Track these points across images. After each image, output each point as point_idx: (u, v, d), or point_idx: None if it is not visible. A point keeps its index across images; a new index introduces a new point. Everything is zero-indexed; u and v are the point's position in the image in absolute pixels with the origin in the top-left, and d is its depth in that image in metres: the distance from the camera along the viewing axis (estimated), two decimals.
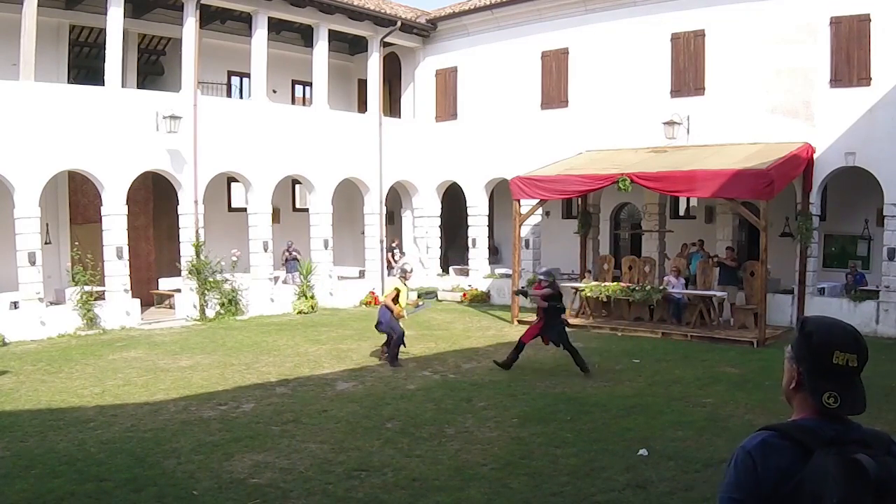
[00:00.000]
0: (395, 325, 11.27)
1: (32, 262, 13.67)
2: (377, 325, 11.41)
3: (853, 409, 1.78)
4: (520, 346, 10.92)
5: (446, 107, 20.50)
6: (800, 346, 1.88)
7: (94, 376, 10.50)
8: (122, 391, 9.67)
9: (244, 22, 18.26)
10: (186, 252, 16.04)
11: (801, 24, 14.46)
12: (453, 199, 21.07)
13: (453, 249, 22.17)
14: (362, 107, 21.18)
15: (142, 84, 18.26)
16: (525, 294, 12.52)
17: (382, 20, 19.08)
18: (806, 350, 1.85)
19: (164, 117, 15.28)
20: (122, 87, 15.35)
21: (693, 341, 13.51)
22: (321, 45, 18.55)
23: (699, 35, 15.74)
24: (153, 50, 19.16)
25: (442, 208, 21.15)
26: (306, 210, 19.53)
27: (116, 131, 14.81)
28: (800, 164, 14.10)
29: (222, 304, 16.28)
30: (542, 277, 11.18)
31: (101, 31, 15.90)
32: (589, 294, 15.65)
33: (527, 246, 18.55)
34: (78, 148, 14.32)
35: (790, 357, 1.91)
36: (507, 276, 17.97)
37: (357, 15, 18.54)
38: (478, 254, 20.09)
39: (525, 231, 18.03)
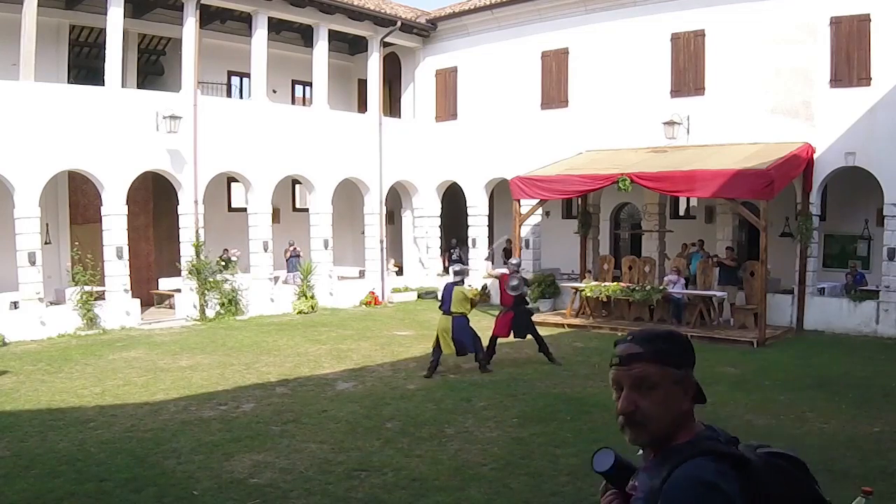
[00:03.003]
0: (466, 337, 10.61)
1: (32, 262, 13.67)
2: (459, 346, 10.56)
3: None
4: (493, 341, 11.24)
5: (446, 107, 20.50)
6: (687, 352, 1.67)
7: (94, 376, 10.50)
8: (122, 391, 9.67)
9: (244, 22, 18.26)
10: (186, 252, 16.04)
11: (801, 24, 14.46)
12: (453, 199, 21.07)
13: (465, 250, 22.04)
14: (362, 107, 21.18)
15: (142, 84, 18.26)
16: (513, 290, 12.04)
17: (382, 20, 19.08)
18: (692, 357, 1.67)
19: (164, 117, 15.28)
20: (122, 87, 15.35)
21: (693, 341, 13.44)
22: (321, 45, 18.55)
23: (699, 35, 15.74)
24: (153, 50, 19.16)
25: (442, 208, 21.15)
26: (306, 210, 19.53)
27: (116, 131, 14.81)
28: (800, 164, 14.10)
29: (222, 304, 16.28)
30: (513, 264, 11.66)
31: (101, 31, 15.90)
32: (589, 294, 15.65)
33: (527, 246, 18.55)
34: (78, 148, 14.31)
35: (681, 376, 1.61)
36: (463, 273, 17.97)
37: (357, 15, 18.54)
38: (477, 254, 20.08)
39: (525, 231, 18.02)
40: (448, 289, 10.81)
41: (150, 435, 7.67)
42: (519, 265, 11.80)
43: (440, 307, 10.88)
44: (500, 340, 11.40)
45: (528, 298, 11.28)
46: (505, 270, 12.10)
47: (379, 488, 6.16)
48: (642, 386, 1.61)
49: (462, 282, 11.26)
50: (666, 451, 1.59)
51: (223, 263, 16.51)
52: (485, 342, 11.07)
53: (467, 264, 20.60)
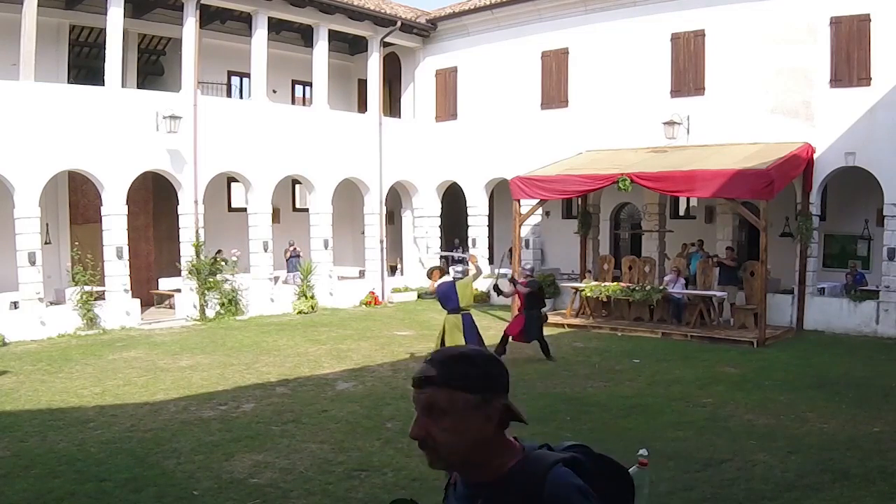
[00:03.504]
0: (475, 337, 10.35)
1: (32, 262, 13.67)
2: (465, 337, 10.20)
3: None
4: (505, 338, 11.44)
5: (446, 107, 20.50)
6: (489, 376, 1.57)
7: (94, 376, 10.50)
8: (122, 391, 9.67)
9: (244, 22, 18.26)
10: (186, 252, 16.04)
11: (801, 24, 14.46)
12: (453, 199, 21.07)
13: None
14: (362, 107, 21.18)
15: (142, 84, 18.26)
16: (499, 292, 12.20)
17: (382, 20, 19.08)
18: (497, 376, 1.59)
19: (164, 117, 15.28)
20: (122, 87, 15.35)
21: (693, 341, 13.51)
22: (321, 45, 18.55)
23: (699, 35, 15.74)
24: (153, 50, 19.16)
25: (442, 208, 21.15)
26: (306, 210, 19.53)
27: (116, 131, 14.81)
28: (800, 164, 14.10)
29: (222, 304, 16.28)
30: (527, 272, 12.00)
31: (101, 31, 15.90)
32: (589, 294, 15.65)
33: (527, 246, 18.55)
34: (78, 148, 14.31)
35: (478, 401, 1.54)
36: (507, 276, 17.92)
37: (357, 15, 18.54)
38: (478, 254, 20.05)
39: (525, 231, 18.02)
40: (450, 287, 10.46)
41: (150, 435, 7.67)
42: (533, 270, 12.15)
43: (445, 307, 10.40)
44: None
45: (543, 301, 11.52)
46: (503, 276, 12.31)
47: (379, 488, 6.16)
48: (432, 412, 1.53)
49: (461, 278, 11.12)
50: (513, 472, 1.52)
51: (220, 264, 16.39)
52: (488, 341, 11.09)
53: (467, 264, 20.61)
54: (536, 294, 11.67)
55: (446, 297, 10.38)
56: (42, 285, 13.98)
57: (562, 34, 17.85)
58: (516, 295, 12.06)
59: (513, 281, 12.08)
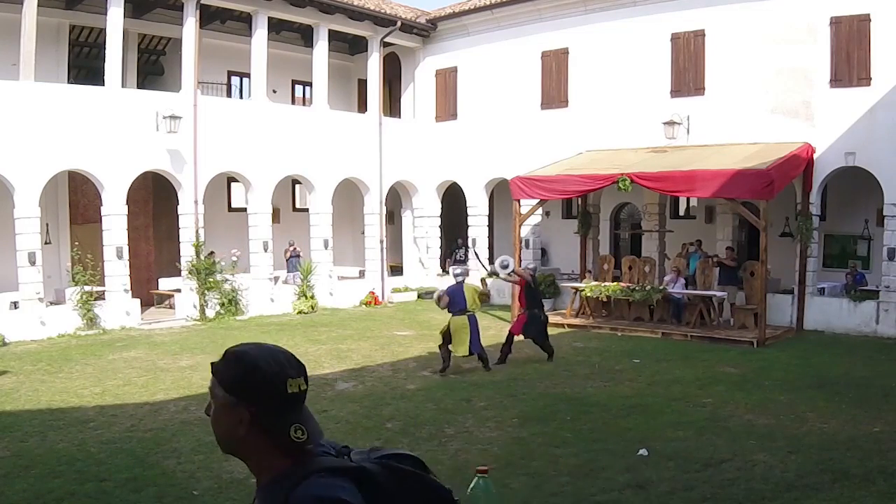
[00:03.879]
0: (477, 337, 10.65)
1: (32, 262, 13.67)
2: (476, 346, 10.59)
3: (317, 436, 1.59)
4: (510, 338, 11.54)
5: (446, 107, 20.50)
6: (245, 384, 1.53)
7: (94, 376, 10.50)
8: (122, 391, 9.67)
9: (244, 22, 18.26)
10: (186, 252, 16.04)
11: (801, 24, 14.45)
12: (453, 199, 21.07)
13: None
14: (362, 107, 21.18)
15: (142, 84, 18.25)
16: (495, 274, 12.83)
17: (382, 20, 19.08)
18: (255, 385, 1.53)
19: (164, 117, 15.28)
20: (122, 87, 15.35)
21: (693, 341, 13.51)
22: (321, 45, 18.55)
23: (699, 35, 15.74)
24: (153, 50, 19.16)
25: (442, 208, 21.15)
26: (306, 210, 19.53)
27: (116, 131, 14.81)
28: (800, 164, 14.10)
29: (222, 304, 16.28)
30: (530, 270, 12.22)
31: (101, 31, 15.90)
32: (589, 294, 15.65)
33: (527, 246, 18.56)
34: (78, 148, 14.31)
35: (232, 401, 1.53)
36: (509, 268, 17.94)
37: (357, 15, 18.54)
38: (478, 254, 20.06)
39: (525, 231, 18.02)
40: (457, 289, 10.70)
41: (150, 435, 7.67)
42: (535, 269, 12.49)
43: (452, 309, 10.62)
44: (516, 339, 11.68)
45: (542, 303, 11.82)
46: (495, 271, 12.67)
47: None
48: (210, 396, 1.59)
49: (464, 280, 11.15)
50: (276, 478, 1.51)
51: (213, 265, 16.28)
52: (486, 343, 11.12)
53: (467, 264, 20.62)
54: (535, 291, 11.79)
55: (454, 299, 10.67)
56: (42, 285, 13.98)
57: (562, 34, 17.84)
58: (518, 295, 12.15)
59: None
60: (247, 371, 1.54)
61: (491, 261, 20.54)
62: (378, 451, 1.63)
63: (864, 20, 13.75)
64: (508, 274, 12.60)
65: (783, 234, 16.14)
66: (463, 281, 10.97)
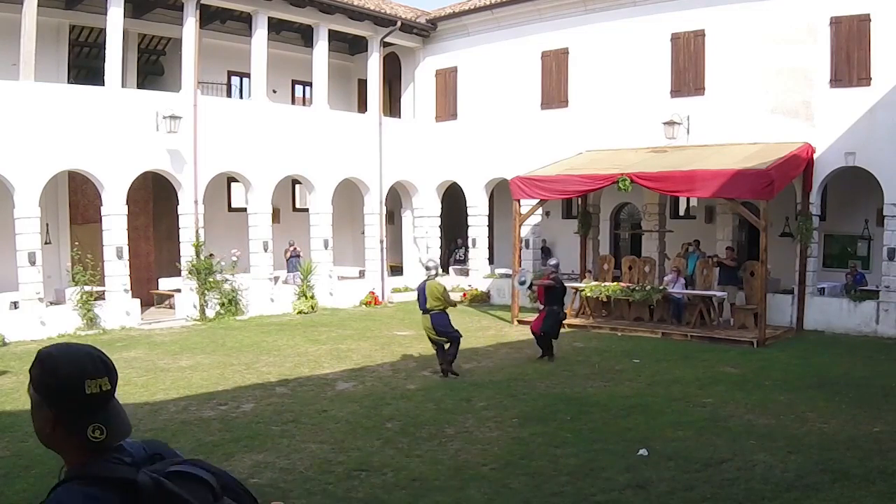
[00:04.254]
0: (449, 327, 10.49)
1: (32, 262, 13.67)
2: (437, 333, 10.42)
3: (120, 434, 1.62)
4: (537, 336, 11.69)
5: (446, 107, 20.50)
6: (46, 386, 1.58)
7: None
8: (122, 391, 9.64)
9: (244, 22, 18.26)
10: (186, 252, 16.04)
11: (801, 24, 14.46)
12: (453, 199, 21.07)
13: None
14: (362, 107, 21.18)
15: (142, 84, 18.26)
16: (529, 286, 13.23)
17: (382, 20, 19.08)
18: (53, 387, 1.57)
19: (164, 117, 15.28)
20: (122, 87, 15.35)
21: (693, 341, 13.51)
22: (321, 45, 18.55)
23: (699, 35, 15.74)
24: (153, 50, 19.16)
25: (442, 208, 21.15)
26: (306, 210, 19.53)
27: (116, 131, 14.81)
28: (800, 164, 14.10)
29: (222, 304, 16.28)
30: (551, 265, 12.32)
31: (101, 31, 15.90)
32: (589, 294, 15.65)
33: (527, 246, 18.56)
34: (78, 148, 14.31)
35: (38, 401, 1.59)
36: (507, 276, 17.97)
37: (357, 15, 18.54)
38: (478, 254, 20.10)
39: (525, 231, 18.02)
40: (422, 287, 10.58)
41: (150, 435, 7.65)
42: (557, 266, 12.43)
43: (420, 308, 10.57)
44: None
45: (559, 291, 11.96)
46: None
47: (379, 488, 6.16)
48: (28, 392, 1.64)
49: (434, 276, 10.92)
50: (67, 474, 1.58)
51: (212, 266, 16.26)
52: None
53: (467, 264, 20.62)
54: (558, 290, 11.89)
55: (418, 298, 10.60)
56: (42, 285, 13.97)
57: (562, 34, 17.85)
58: (538, 293, 12.36)
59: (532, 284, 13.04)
60: (46, 373, 1.59)
61: (492, 261, 20.61)
62: (175, 466, 1.63)
63: (864, 20, 13.75)
64: (529, 288, 12.99)
65: (783, 234, 16.15)
66: (428, 278, 10.69)
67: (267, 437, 7.58)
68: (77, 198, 16.96)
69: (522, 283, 13.62)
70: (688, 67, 15.97)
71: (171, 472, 1.59)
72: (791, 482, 6.16)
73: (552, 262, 12.54)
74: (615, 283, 15.65)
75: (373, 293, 19.31)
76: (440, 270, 11.19)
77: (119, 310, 14.93)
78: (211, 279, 16.09)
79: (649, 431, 7.71)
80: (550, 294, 11.77)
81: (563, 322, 12.20)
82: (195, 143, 15.88)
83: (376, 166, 19.61)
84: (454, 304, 10.83)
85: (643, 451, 6.98)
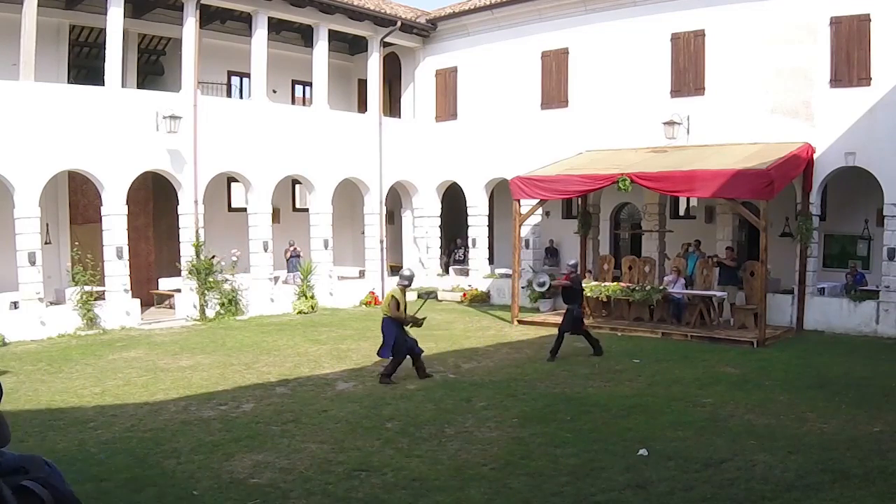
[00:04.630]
0: (387, 338, 10.51)
1: (32, 262, 13.67)
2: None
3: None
4: (587, 335, 12.07)
5: (446, 107, 20.50)
6: None
7: (94, 376, 10.51)
8: (122, 391, 9.66)
9: (244, 22, 18.26)
10: (186, 252, 16.04)
11: (801, 24, 14.45)
12: (453, 199, 21.07)
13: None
14: (362, 107, 21.18)
15: (142, 84, 18.25)
16: (549, 288, 13.78)
17: (382, 20, 19.08)
18: None
19: (164, 117, 15.28)
20: (122, 87, 15.35)
21: (693, 341, 13.51)
22: (321, 45, 18.55)
23: (699, 35, 15.74)
24: (153, 50, 19.16)
25: (442, 208, 21.15)
26: (306, 210, 19.53)
27: (116, 131, 14.81)
28: (800, 164, 14.10)
29: (222, 304, 16.28)
30: (570, 266, 12.43)
31: (101, 31, 15.90)
32: (589, 294, 15.62)
33: (527, 246, 18.54)
34: (78, 148, 14.31)
35: None
36: (507, 276, 17.97)
37: (357, 15, 18.54)
38: (478, 254, 20.09)
39: (525, 231, 18.02)
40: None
41: (150, 435, 7.67)
42: (576, 265, 12.65)
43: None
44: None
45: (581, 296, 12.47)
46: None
47: (379, 488, 6.16)
48: None
49: (406, 286, 10.81)
50: None
51: (213, 266, 16.25)
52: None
53: (466, 264, 20.61)
54: (576, 290, 12.14)
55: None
56: (42, 285, 13.97)
57: (562, 34, 17.85)
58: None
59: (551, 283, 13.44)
60: None
61: (492, 261, 20.60)
62: (31, 478, 1.64)
63: (864, 20, 13.75)
64: (546, 289, 13.49)
65: (783, 234, 16.14)
66: (397, 284, 10.81)
67: (267, 437, 7.58)
68: (77, 198, 16.96)
69: (542, 286, 13.77)
70: (688, 67, 15.97)
71: (21, 485, 1.62)
72: (791, 482, 6.16)
73: (570, 262, 12.72)
74: (615, 283, 15.66)
75: (373, 293, 19.31)
76: (411, 283, 11.14)
77: (119, 310, 14.93)
78: (211, 279, 16.10)
79: (649, 431, 7.71)
80: (568, 293, 12.08)
81: (582, 319, 12.41)
82: (195, 143, 15.88)
83: (376, 166, 19.61)
84: (402, 321, 10.61)
85: (643, 451, 6.98)
